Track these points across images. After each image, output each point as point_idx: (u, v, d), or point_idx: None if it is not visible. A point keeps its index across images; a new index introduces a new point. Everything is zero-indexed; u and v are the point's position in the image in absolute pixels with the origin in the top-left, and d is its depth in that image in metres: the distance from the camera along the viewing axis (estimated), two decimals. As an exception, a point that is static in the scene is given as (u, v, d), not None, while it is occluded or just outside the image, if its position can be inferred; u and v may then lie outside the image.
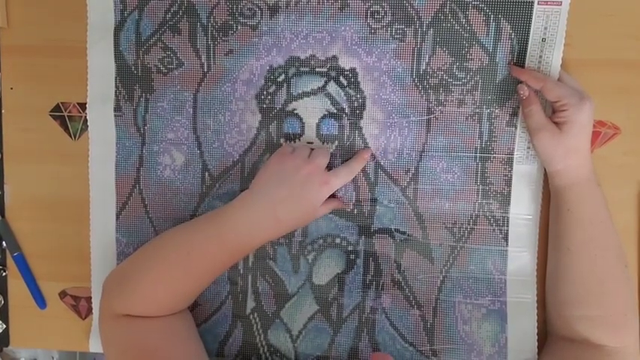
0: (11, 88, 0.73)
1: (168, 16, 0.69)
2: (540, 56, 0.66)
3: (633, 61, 0.68)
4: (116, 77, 0.70)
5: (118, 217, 0.72)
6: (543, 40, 0.66)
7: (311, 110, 0.69)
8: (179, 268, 0.62)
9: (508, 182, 0.69)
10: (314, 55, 0.68)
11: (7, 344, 0.76)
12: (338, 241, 0.70)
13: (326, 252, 0.70)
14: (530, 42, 0.66)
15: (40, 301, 0.75)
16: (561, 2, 0.65)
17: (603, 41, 0.68)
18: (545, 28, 0.65)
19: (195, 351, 0.64)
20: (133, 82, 0.70)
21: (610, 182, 0.68)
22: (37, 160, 0.74)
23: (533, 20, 0.65)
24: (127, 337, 0.62)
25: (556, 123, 0.63)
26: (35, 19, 0.72)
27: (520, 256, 0.69)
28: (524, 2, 0.65)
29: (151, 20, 0.69)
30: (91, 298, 0.74)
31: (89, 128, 0.71)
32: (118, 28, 0.69)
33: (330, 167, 0.69)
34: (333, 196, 0.67)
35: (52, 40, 0.72)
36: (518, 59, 0.66)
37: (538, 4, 0.65)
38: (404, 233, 0.70)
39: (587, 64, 0.68)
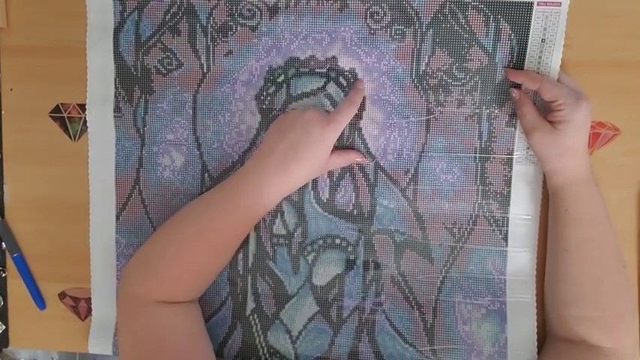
0: (11, 89, 0.73)
1: (168, 17, 0.69)
2: (540, 57, 0.66)
3: (633, 62, 0.68)
4: (115, 78, 0.70)
5: (117, 218, 0.72)
6: (543, 40, 0.65)
7: (311, 111, 0.69)
8: (200, 241, 0.62)
9: (508, 182, 0.68)
10: (313, 56, 0.68)
11: (6, 345, 0.76)
12: (338, 241, 0.70)
13: (326, 253, 0.70)
14: (529, 43, 0.66)
15: (40, 302, 0.75)
16: (560, 3, 0.65)
17: (603, 42, 0.68)
18: (545, 29, 0.65)
19: (207, 348, 0.64)
20: (133, 83, 0.70)
21: (610, 183, 0.68)
22: (37, 160, 0.74)
23: (532, 21, 0.65)
24: (145, 327, 0.61)
25: (553, 123, 0.63)
26: (35, 19, 0.72)
27: (520, 257, 0.69)
28: (523, 3, 0.65)
29: (151, 21, 0.69)
30: (90, 299, 0.73)
31: (89, 129, 0.71)
32: (118, 29, 0.69)
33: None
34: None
35: (51, 41, 0.72)
36: (518, 60, 0.66)
37: (537, 5, 0.65)
38: (404, 234, 0.70)
39: (587, 65, 0.68)
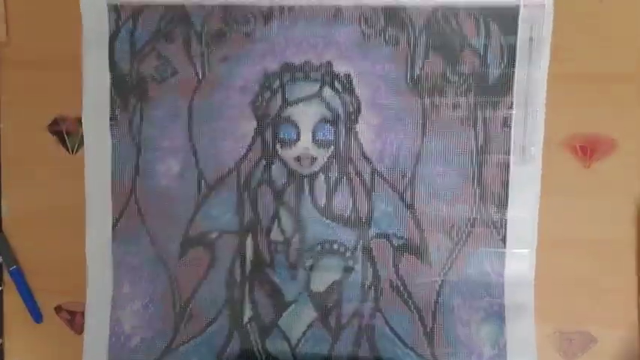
0: (9, 103, 0.74)
1: (162, 24, 0.69)
2: (530, 55, 0.66)
3: (628, 74, 0.68)
4: (111, 87, 0.71)
5: (114, 227, 0.71)
6: (531, 39, 0.66)
7: (306, 116, 0.69)
8: None
9: (505, 184, 0.68)
10: (308, 61, 0.69)
11: (2, 358, 0.75)
12: (335, 247, 0.70)
13: (324, 258, 0.70)
14: (518, 42, 0.66)
15: (36, 314, 0.74)
16: (544, 5, 0.66)
17: (598, 54, 0.68)
18: (532, 28, 0.66)
19: None
20: (128, 91, 0.71)
21: (607, 196, 0.68)
22: (35, 174, 0.74)
23: (520, 22, 0.66)
24: None
25: None
26: (34, 32, 0.73)
27: (518, 259, 0.68)
28: (510, 6, 0.66)
29: (145, 29, 0.70)
30: (88, 312, 0.73)
31: (84, 138, 0.71)
32: (113, 38, 0.70)
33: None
34: None
35: (50, 54, 0.73)
36: (508, 60, 0.67)
37: (524, 6, 0.66)
38: (402, 238, 0.69)
39: (583, 78, 0.68)
